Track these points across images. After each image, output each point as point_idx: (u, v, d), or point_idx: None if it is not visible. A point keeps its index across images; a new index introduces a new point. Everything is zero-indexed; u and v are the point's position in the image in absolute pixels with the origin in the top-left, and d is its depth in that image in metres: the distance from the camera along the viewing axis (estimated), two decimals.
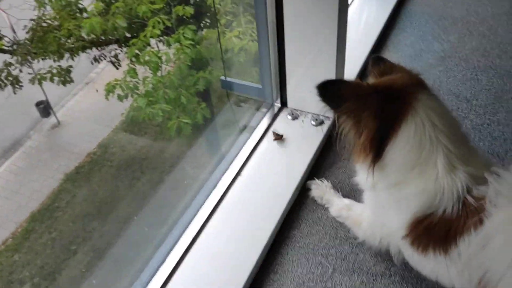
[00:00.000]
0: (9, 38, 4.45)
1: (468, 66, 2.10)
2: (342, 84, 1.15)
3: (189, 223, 1.53)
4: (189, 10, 4.13)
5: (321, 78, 1.72)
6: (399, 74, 1.15)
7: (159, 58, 4.14)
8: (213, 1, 4.33)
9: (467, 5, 2.50)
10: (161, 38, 4.36)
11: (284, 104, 1.91)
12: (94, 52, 4.72)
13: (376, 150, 1.07)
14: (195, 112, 4.20)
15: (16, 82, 4.41)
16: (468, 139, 1.14)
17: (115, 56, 4.86)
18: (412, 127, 1.04)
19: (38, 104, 5.69)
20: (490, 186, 0.97)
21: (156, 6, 4.13)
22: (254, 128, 1.83)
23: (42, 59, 4.31)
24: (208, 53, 4.41)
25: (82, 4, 4.40)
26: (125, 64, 4.49)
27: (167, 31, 4.26)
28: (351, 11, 2.40)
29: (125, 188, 4.93)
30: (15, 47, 4.36)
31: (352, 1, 2.54)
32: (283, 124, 1.86)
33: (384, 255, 1.40)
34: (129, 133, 5.49)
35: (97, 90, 5.07)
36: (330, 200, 1.57)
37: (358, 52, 2.18)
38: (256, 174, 1.68)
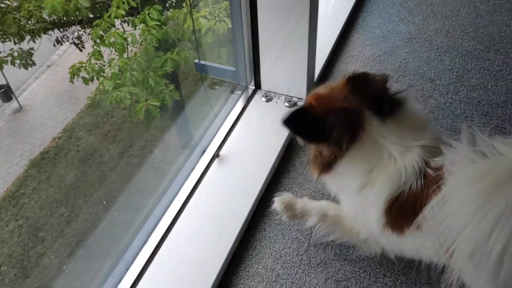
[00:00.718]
0: None
1: (432, 47, 2.19)
2: (302, 115, 1.17)
3: (168, 205, 1.56)
4: None
5: (294, 60, 1.78)
6: (352, 97, 1.15)
7: (125, 39, 4.05)
8: None
9: None
10: (126, 18, 4.25)
11: (258, 86, 1.95)
12: (56, 33, 4.57)
13: (327, 167, 1.18)
14: (163, 94, 4.16)
15: None
16: (419, 117, 1.20)
17: (79, 37, 4.72)
18: (361, 145, 1.12)
19: None
20: (445, 157, 1.05)
21: None
22: (230, 111, 1.86)
23: (2, 41, 4.14)
24: (175, 34, 4.35)
25: None
26: (89, 46, 4.37)
27: (132, 12, 4.16)
28: None
29: (93, 173, 4.85)
30: None
31: None
32: (257, 106, 1.90)
33: None
34: (95, 116, 5.37)
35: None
36: (305, 209, 1.41)
37: (328, 34, 2.23)
38: (232, 155, 1.72)
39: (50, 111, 5.56)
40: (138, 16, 4.05)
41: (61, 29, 4.59)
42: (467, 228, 0.91)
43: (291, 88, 1.89)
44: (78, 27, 4.65)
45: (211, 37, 4.13)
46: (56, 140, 5.18)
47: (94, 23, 4.08)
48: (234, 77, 1.97)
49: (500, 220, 0.86)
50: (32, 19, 4.15)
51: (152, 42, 4.04)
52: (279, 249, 1.49)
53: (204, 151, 1.72)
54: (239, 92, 1.94)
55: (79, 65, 4.13)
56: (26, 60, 4.39)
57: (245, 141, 1.78)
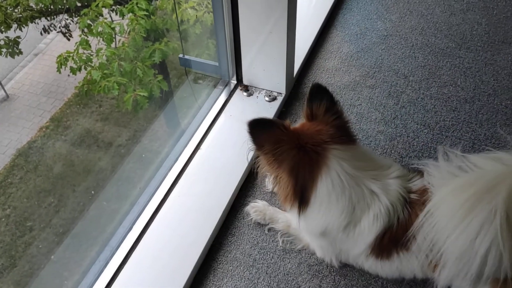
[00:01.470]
0: None
1: (407, 44, 2.29)
2: (270, 127, 1.19)
3: (153, 194, 1.64)
4: None
5: (274, 56, 1.86)
6: (322, 125, 1.20)
7: (113, 29, 4.06)
8: None
9: None
10: (114, 8, 4.26)
11: (240, 81, 2.03)
12: (44, 22, 4.55)
13: (300, 200, 1.19)
14: (151, 85, 4.20)
15: None
16: (374, 157, 1.27)
17: (66, 26, 4.70)
18: (329, 182, 1.15)
19: None
20: (425, 177, 1.14)
21: None
22: (212, 104, 1.94)
23: None
24: (163, 24, 4.37)
25: None
26: (76, 35, 4.36)
27: (120, 1, 4.18)
28: None
29: (80, 163, 4.88)
30: None
31: None
32: (239, 100, 1.98)
33: None
34: (83, 106, 5.38)
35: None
36: (273, 217, 1.58)
37: (308, 30, 2.31)
38: (214, 148, 1.81)
39: (38, 100, 5.55)
40: (126, 6, 4.06)
41: (48, 18, 4.56)
42: (455, 232, 1.00)
43: (271, 83, 1.97)
44: (65, 16, 4.63)
45: (200, 28, 4.16)
46: (44, 129, 5.19)
47: (82, 12, 4.08)
48: (216, 71, 2.04)
49: (484, 225, 0.96)
50: (18, 7, 4.13)
51: (140, 32, 4.06)
52: (256, 236, 1.59)
53: (188, 142, 1.80)
54: (221, 87, 2.01)
55: (66, 54, 4.12)
56: (12, 48, 4.37)
57: (226, 134, 1.86)
